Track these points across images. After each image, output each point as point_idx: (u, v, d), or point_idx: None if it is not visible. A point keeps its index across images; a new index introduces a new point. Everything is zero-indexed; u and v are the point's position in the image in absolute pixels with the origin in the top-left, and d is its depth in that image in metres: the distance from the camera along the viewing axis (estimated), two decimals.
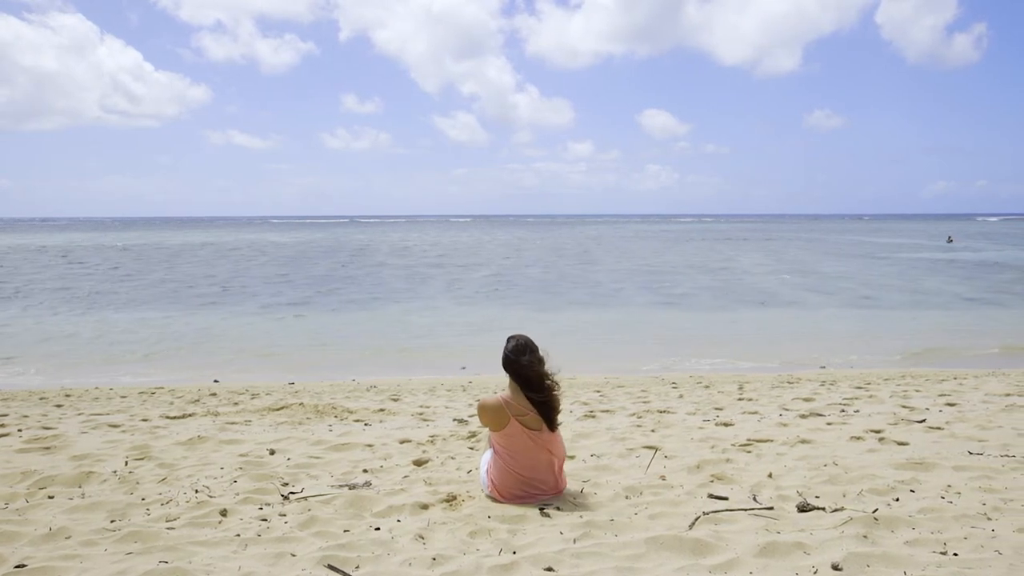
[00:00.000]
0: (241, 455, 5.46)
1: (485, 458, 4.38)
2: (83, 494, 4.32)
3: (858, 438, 5.86)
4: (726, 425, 6.64)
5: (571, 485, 4.48)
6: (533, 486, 4.15)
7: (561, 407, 4.30)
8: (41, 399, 9.52)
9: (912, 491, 4.20)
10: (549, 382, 4.17)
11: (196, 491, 4.39)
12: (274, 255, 46.82)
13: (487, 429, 4.39)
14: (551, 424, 4.16)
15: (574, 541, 3.42)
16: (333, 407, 8.27)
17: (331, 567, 3.07)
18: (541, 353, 4.21)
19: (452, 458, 5.35)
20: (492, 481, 4.21)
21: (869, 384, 9.99)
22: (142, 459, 5.30)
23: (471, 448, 5.65)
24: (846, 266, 35.74)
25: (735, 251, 49.17)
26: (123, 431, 6.68)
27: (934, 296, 23.09)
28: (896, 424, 6.46)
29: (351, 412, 8.02)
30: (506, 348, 4.21)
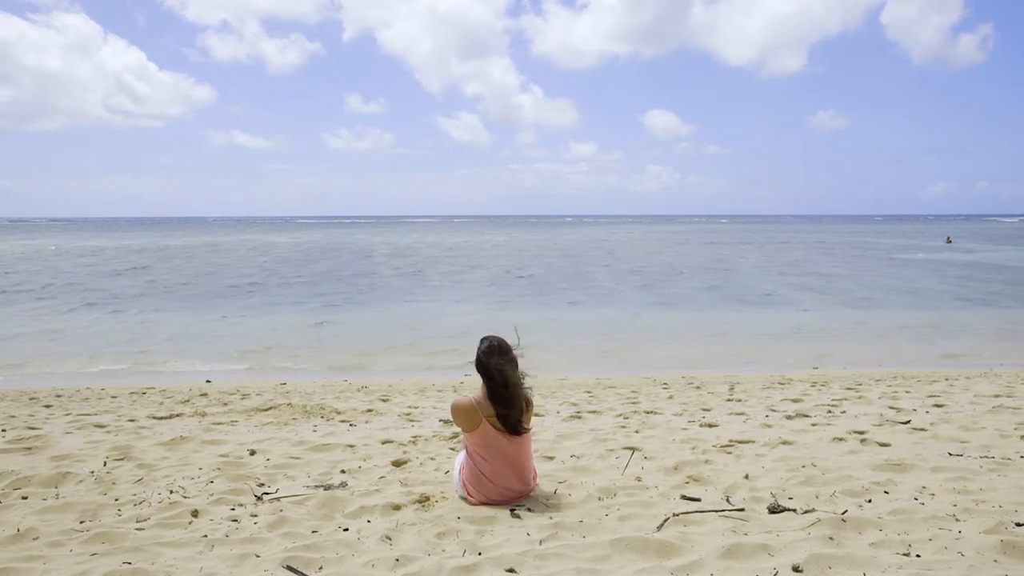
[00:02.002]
0: (221, 456, 5.46)
1: (459, 459, 4.38)
2: (57, 495, 4.32)
3: (840, 439, 5.84)
4: (710, 426, 6.63)
5: (547, 486, 4.47)
6: (504, 487, 4.13)
7: (532, 411, 4.27)
8: (31, 399, 9.54)
9: (886, 492, 4.19)
10: (517, 386, 4.14)
11: (171, 492, 4.39)
12: (274, 255, 46.89)
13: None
14: (516, 427, 4.13)
15: (540, 542, 3.42)
16: (321, 407, 8.27)
17: (290, 568, 3.07)
18: (515, 355, 4.19)
19: (432, 459, 5.34)
20: (464, 482, 4.20)
21: (860, 385, 9.97)
22: (122, 459, 5.30)
23: (452, 449, 5.65)
24: (844, 267, 35.71)
25: (735, 252, 49.13)
26: (108, 431, 6.68)
27: (929, 296, 23.08)
28: (880, 425, 6.45)
29: (339, 412, 8.03)
30: (479, 349, 4.20)
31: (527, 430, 4.21)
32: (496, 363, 4.12)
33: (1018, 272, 31.92)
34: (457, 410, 4.18)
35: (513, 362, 4.17)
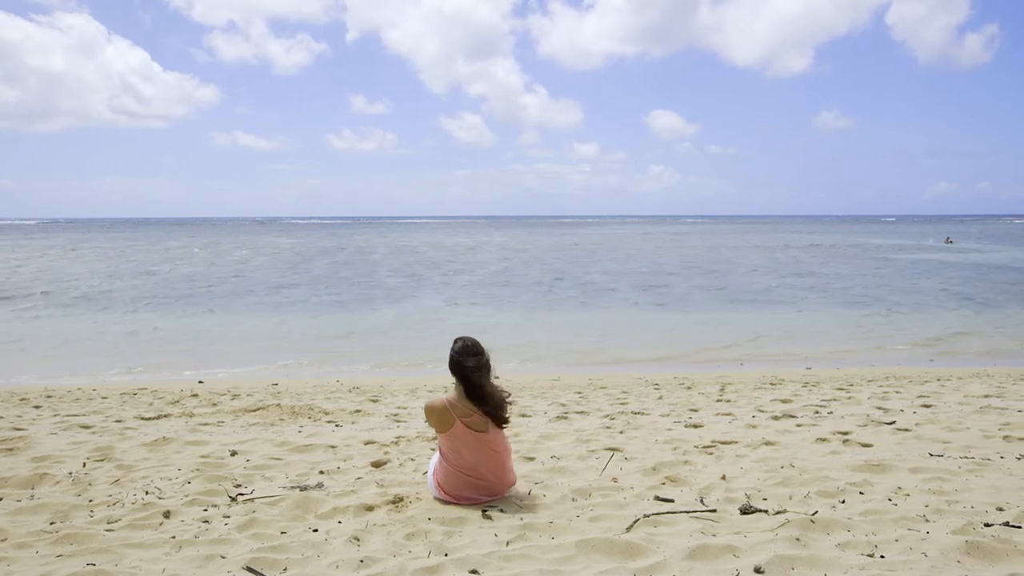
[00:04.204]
0: (202, 456, 5.45)
1: (433, 460, 4.38)
2: (32, 496, 4.32)
3: (823, 440, 5.83)
4: (695, 427, 6.61)
5: (523, 487, 4.47)
6: (478, 487, 4.14)
7: (508, 408, 4.28)
8: (22, 400, 9.53)
9: (861, 493, 4.18)
10: (492, 385, 4.16)
11: (146, 492, 4.39)
12: (276, 257, 46.95)
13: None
14: (498, 422, 4.15)
15: (507, 543, 3.41)
16: (310, 408, 8.27)
17: (250, 569, 3.06)
18: (487, 355, 4.20)
19: (412, 459, 5.34)
20: (438, 483, 4.21)
21: (851, 385, 9.95)
22: (102, 460, 5.29)
23: (433, 450, 5.64)
24: (843, 266, 35.68)
25: (734, 254, 49.09)
26: (93, 432, 6.68)
27: (924, 296, 23.08)
28: (865, 426, 6.43)
29: (327, 413, 8.02)
30: (452, 350, 4.21)
31: (507, 421, 4.23)
32: (472, 363, 4.14)
33: (1016, 272, 31.88)
34: (431, 411, 4.19)
35: (487, 361, 4.19)
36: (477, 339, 4.25)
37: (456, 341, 4.25)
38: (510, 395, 4.32)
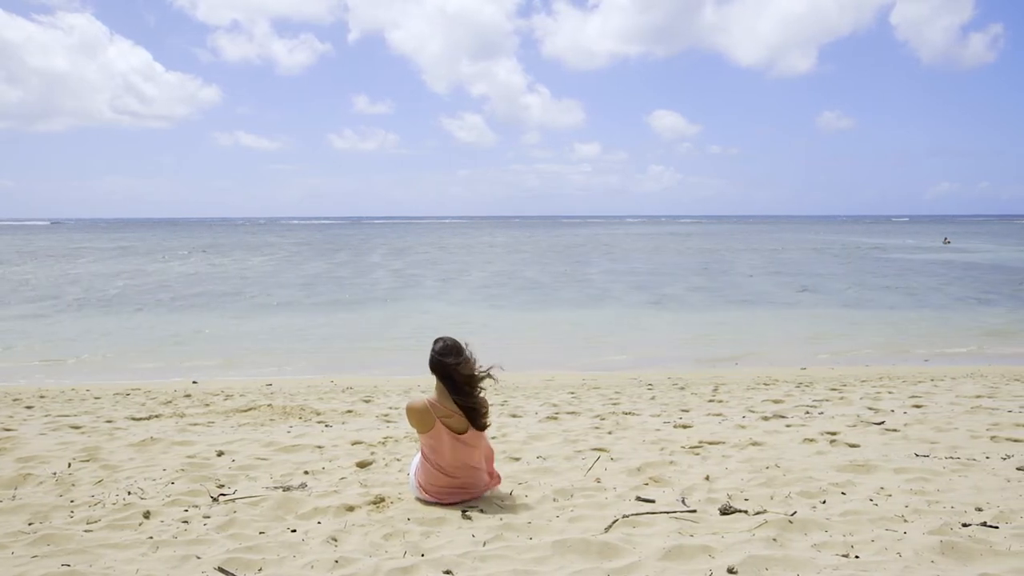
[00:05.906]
0: (188, 457, 5.45)
1: (415, 461, 4.38)
2: (14, 496, 4.31)
3: (811, 440, 5.82)
4: (684, 427, 6.61)
5: (505, 487, 4.46)
6: (459, 487, 4.14)
7: (487, 411, 4.27)
8: (15, 400, 9.54)
9: (843, 493, 4.18)
10: (476, 385, 4.16)
11: (128, 493, 4.38)
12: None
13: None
14: (477, 425, 4.15)
15: (484, 544, 3.41)
16: (302, 408, 8.27)
17: (222, 570, 3.06)
18: (468, 355, 4.20)
19: (397, 460, 5.34)
20: (419, 483, 4.21)
21: (844, 386, 9.93)
22: (87, 461, 5.29)
23: (418, 450, 5.64)
24: (841, 266, 35.67)
25: (733, 255, 49.07)
26: (82, 432, 6.69)
27: (922, 295, 23.06)
28: (854, 426, 6.42)
29: (318, 413, 8.02)
30: (433, 350, 4.21)
31: (487, 425, 4.23)
32: (453, 362, 4.14)
33: (1013, 272, 31.85)
34: (411, 412, 4.19)
35: (468, 361, 4.19)
36: (458, 339, 4.25)
37: (436, 341, 4.25)
38: (487, 404, 4.31)
